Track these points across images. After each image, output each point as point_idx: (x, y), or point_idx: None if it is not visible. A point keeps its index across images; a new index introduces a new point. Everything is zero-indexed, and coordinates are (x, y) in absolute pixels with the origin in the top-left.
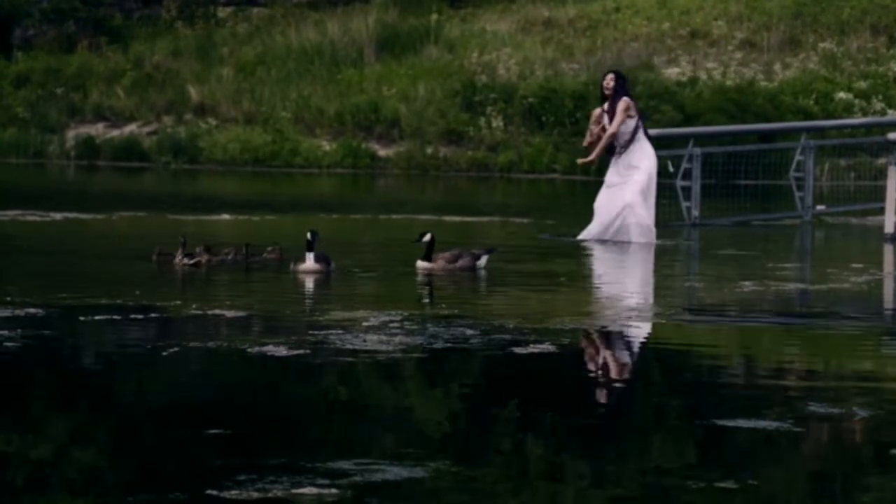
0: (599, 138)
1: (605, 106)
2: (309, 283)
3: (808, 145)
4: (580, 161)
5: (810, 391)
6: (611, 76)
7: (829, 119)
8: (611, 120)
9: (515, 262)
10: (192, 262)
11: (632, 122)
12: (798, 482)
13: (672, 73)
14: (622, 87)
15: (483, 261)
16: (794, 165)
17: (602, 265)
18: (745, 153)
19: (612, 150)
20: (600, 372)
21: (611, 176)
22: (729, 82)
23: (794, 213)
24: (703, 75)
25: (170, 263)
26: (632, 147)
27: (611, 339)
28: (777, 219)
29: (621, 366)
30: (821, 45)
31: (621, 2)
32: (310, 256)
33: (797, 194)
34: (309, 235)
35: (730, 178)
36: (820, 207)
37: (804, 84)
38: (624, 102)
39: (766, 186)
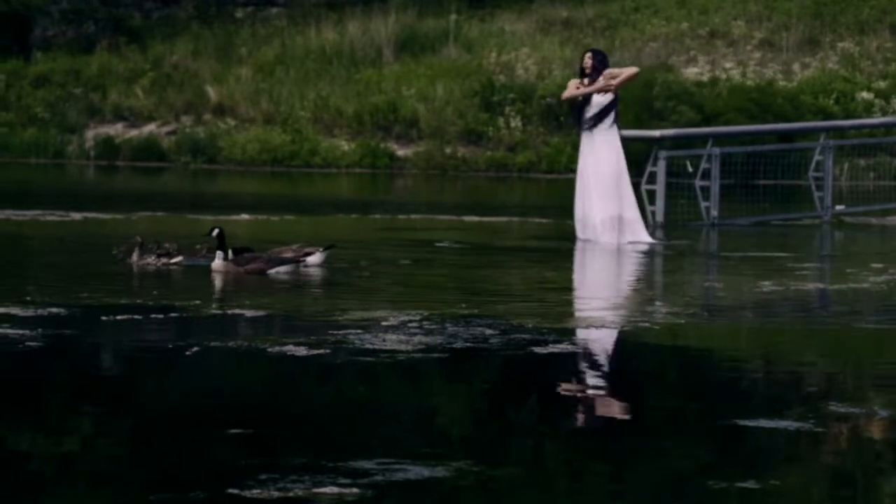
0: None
1: (586, 81)
2: (218, 282)
3: (828, 145)
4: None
5: (831, 391)
6: (589, 54)
7: (849, 119)
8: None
9: (536, 262)
10: (173, 261)
11: (609, 96)
12: (819, 482)
13: (691, 73)
14: (602, 64)
15: (316, 258)
16: (813, 165)
17: (620, 265)
18: (764, 153)
19: (581, 121)
20: (620, 372)
21: (584, 155)
22: (748, 82)
23: (813, 213)
24: (721, 75)
25: (158, 263)
26: (600, 126)
27: (630, 338)
28: (796, 219)
29: (641, 365)
30: (840, 44)
31: (640, 2)
32: (218, 255)
33: (816, 194)
34: (215, 233)
35: (749, 178)
36: (839, 207)
37: (824, 84)
38: (608, 72)
39: (786, 186)
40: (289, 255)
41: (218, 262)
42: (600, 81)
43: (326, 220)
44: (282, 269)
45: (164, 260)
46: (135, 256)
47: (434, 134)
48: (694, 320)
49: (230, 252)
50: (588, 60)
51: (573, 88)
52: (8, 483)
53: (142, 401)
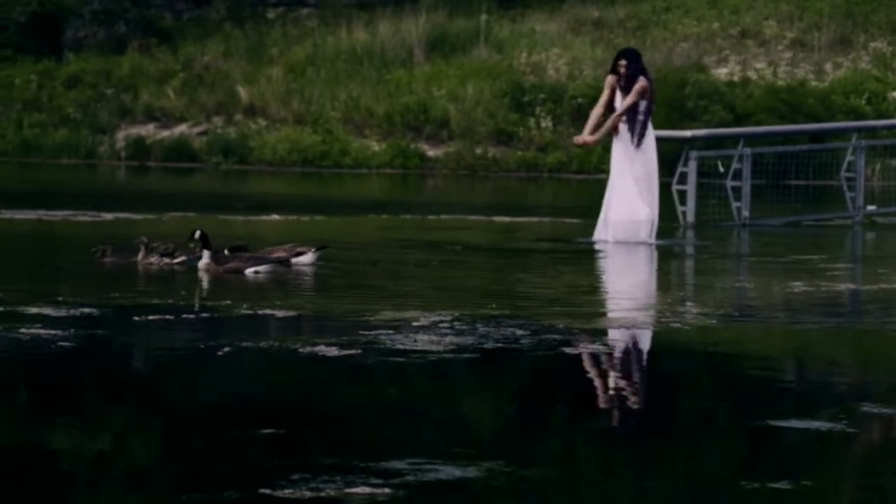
0: (604, 120)
1: (622, 82)
2: (204, 281)
3: (859, 145)
4: (577, 139)
5: (863, 392)
6: (623, 63)
7: (881, 119)
8: (624, 98)
9: (566, 262)
10: (176, 261)
11: (644, 104)
12: (851, 483)
13: (722, 73)
14: (637, 71)
15: (307, 258)
16: (844, 166)
17: (649, 265)
18: (795, 153)
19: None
20: (651, 372)
21: (619, 161)
22: (780, 82)
23: (844, 213)
24: (753, 75)
25: (132, 263)
26: (636, 129)
27: (660, 339)
28: (828, 219)
29: (672, 366)
30: (872, 44)
31: (671, 1)
32: (205, 254)
33: (848, 195)
34: (197, 235)
35: (780, 179)
36: (871, 208)
37: (855, 84)
38: (641, 83)
39: (817, 187)
40: (281, 254)
41: (202, 262)
42: (630, 98)
43: (356, 220)
44: (261, 268)
45: (166, 260)
46: (140, 256)
47: (464, 134)
48: (725, 321)
49: (226, 250)
50: (622, 69)
51: (610, 85)
52: (42, 482)
53: (174, 401)
